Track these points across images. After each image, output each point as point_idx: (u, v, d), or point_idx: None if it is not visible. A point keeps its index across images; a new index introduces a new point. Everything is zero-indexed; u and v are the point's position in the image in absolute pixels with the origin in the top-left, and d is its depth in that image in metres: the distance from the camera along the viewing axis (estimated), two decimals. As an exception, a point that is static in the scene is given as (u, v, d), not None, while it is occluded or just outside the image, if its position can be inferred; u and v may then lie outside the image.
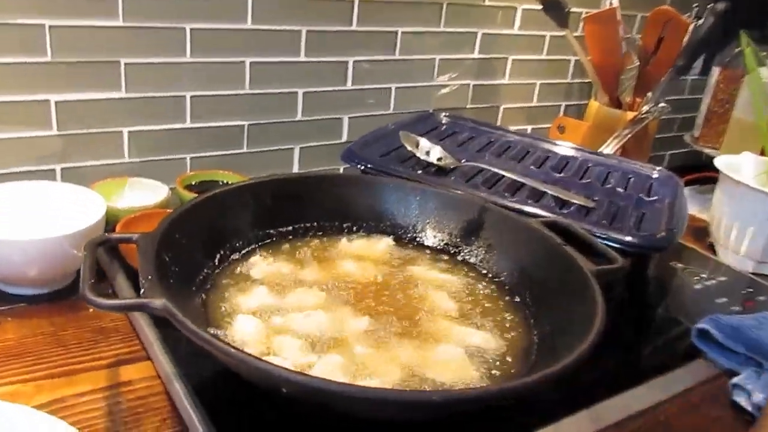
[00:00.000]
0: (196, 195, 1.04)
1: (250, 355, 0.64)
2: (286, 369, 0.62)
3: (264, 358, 0.81)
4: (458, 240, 1.12)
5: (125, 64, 1.13)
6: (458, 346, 0.83)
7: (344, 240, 1.11)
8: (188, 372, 0.81)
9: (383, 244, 1.12)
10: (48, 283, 0.90)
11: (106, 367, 0.83)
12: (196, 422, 0.72)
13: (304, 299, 0.95)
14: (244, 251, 1.05)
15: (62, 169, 1.17)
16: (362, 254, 1.08)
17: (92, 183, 1.11)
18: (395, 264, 1.07)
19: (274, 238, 1.09)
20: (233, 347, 0.64)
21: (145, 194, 1.25)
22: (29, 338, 0.85)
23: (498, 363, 0.87)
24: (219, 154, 1.33)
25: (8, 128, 1.06)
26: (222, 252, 1.01)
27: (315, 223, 1.13)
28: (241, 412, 0.75)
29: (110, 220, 1.02)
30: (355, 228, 1.14)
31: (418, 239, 1.14)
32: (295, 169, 1.49)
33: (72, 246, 0.84)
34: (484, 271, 1.07)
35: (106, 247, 1.09)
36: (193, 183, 1.33)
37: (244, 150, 1.41)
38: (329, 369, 0.80)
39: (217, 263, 1.00)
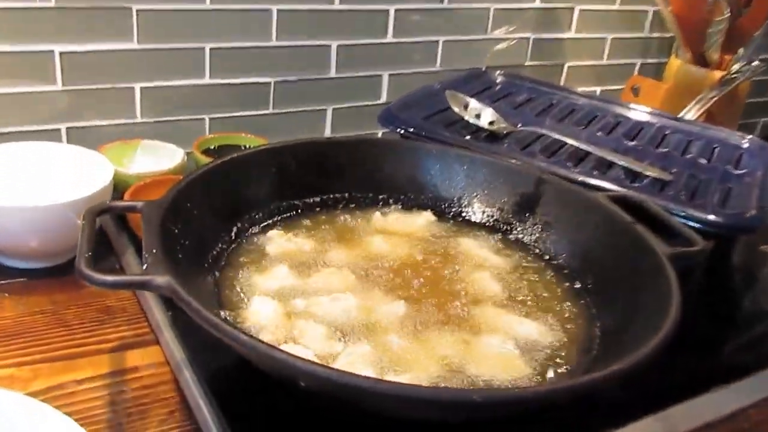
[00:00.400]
0: (212, 160, 1.03)
1: (262, 342, 0.63)
2: (304, 359, 0.61)
3: (281, 346, 0.80)
4: (510, 216, 1.11)
5: (138, 11, 1.12)
6: (507, 338, 0.83)
7: (378, 214, 1.10)
8: (201, 359, 0.81)
9: (423, 219, 1.10)
10: (49, 256, 0.90)
11: (111, 351, 0.83)
12: (207, 416, 0.72)
13: (331, 281, 0.94)
14: (264, 224, 1.04)
15: (67, 129, 1.17)
16: (398, 231, 1.08)
17: (100, 145, 1.11)
18: (436, 242, 1.06)
19: (299, 211, 1.08)
20: (243, 333, 0.64)
21: (159, 159, 1.25)
22: (27, 317, 0.85)
23: (553, 359, 0.82)
24: (242, 114, 1.32)
25: (7, 82, 1.06)
26: (239, 225, 1.01)
27: (346, 195, 1.12)
28: (257, 406, 0.76)
29: (119, 187, 1.03)
30: (391, 201, 1.13)
31: (463, 215, 1.12)
32: (327, 133, 1.49)
33: (76, 215, 0.84)
34: (540, 253, 1.06)
35: (114, 217, 1.11)
36: (212, 147, 1.33)
37: (270, 111, 1.40)
38: (356, 361, 0.79)
39: (233, 238, 0.99)
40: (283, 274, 0.93)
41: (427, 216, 1.10)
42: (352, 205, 1.11)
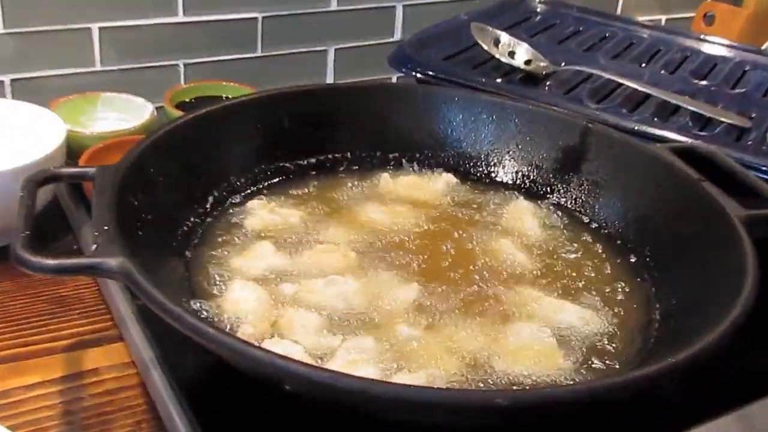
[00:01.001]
0: (184, 114, 1.03)
1: (237, 338, 0.66)
2: (289, 359, 0.61)
3: (265, 342, 0.80)
4: (550, 176, 1.10)
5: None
6: (544, 325, 0.83)
7: (387, 176, 1.10)
8: (174, 359, 0.81)
9: (442, 182, 1.10)
10: (-9, 234, 0.88)
11: (65, 350, 0.83)
12: (181, 428, 0.73)
13: (327, 260, 0.93)
14: (246, 193, 1.04)
15: (12, 81, 1.16)
16: (412, 197, 1.07)
17: (52, 100, 1.11)
18: (458, 211, 1.05)
19: (290, 176, 1.08)
20: (214, 327, 0.66)
21: (123, 116, 1.25)
22: (-36, 310, 0.81)
23: (600, 350, 0.82)
24: (223, 59, 1.32)
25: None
26: (216, 194, 1.01)
27: (348, 154, 1.12)
28: (240, 416, 0.77)
29: (76, 150, 1.03)
30: (403, 160, 1.13)
31: (492, 176, 1.12)
32: (329, 79, 1.47)
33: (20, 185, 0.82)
34: (586, 220, 1.05)
35: (69, 187, 1.10)
36: (188, 100, 1.32)
37: (258, 53, 1.38)
38: (357, 358, 0.79)
39: (208, 210, 0.99)
40: (268, 254, 0.93)
41: (448, 178, 1.10)
42: (356, 167, 1.11)
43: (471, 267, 0.94)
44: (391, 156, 1.11)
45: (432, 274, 0.92)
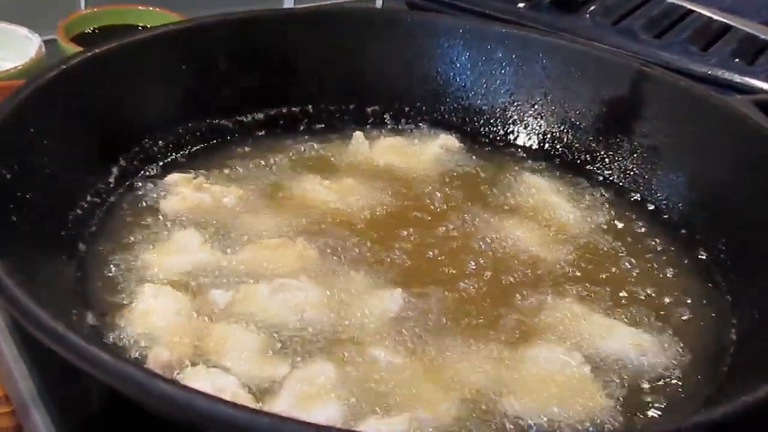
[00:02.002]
0: (82, 50, 1.02)
1: (138, 367, 0.65)
2: (214, 398, 0.62)
3: (186, 372, 0.79)
4: (591, 139, 1.10)
5: None
6: (574, 348, 0.85)
7: (360, 137, 1.09)
8: (61, 395, 0.82)
9: (438, 145, 1.10)
10: None
11: None
12: None
13: (276, 257, 0.93)
14: (165, 162, 1.04)
15: None
16: (395, 167, 1.07)
17: None
18: (461, 186, 1.05)
19: (229, 138, 1.08)
20: (106, 351, 0.64)
21: (3, 52, 1.25)
22: None
23: (654, 382, 0.84)
24: None
25: None
26: (123, 163, 1.00)
27: (309, 108, 1.12)
28: None
29: None
30: (386, 116, 1.13)
31: (510, 137, 1.12)
32: (287, 3, 1.50)
33: None
34: (638, 199, 1.05)
35: None
36: (90, 30, 1.31)
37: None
38: (313, 392, 0.78)
39: (111, 185, 0.98)
40: (192, 248, 0.92)
41: (446, 141, 1.09)
42: (320, 126, 1.11)
43: (475, 267, 0.94)
44: (369, 110, 1.11)
45: (421, 278, 0.92)
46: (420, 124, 1.11)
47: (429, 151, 1.07)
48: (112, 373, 0.64)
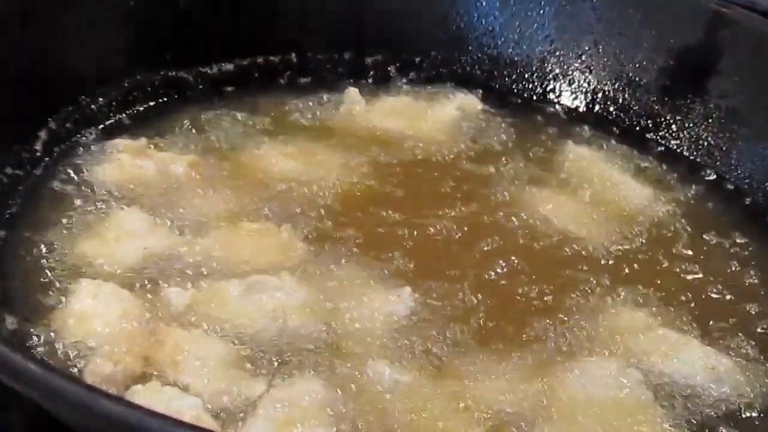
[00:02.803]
0: None
1: (71, 380, 0.63)
2: (161, 418, 0.61)
3: (134, 389, 0.78)
4: (652, 100, 1.11)
5: None
6: (630, 366, 0.86)
7: (355, 95, 1.10)
8: None
9: (454, 107, 1.10)
10: None
11: None
12: None
13: (248, 246, 0.93)
14: (106, 124, 1.05)
15: None
16: (399, 132, 1.07)
17: None
18: (486, 156, 1.05)
19: (188, 93, 1.09)
20: (31, 361, 0.64)
21: None
22: None
23: (730, 417, 0.84)
24: None
25: None
26: (53, 126, 1.01)
27: (293, 56, 1.13)
28: None
29: None
30: (391, 69, 1.15)
31: (551, 96, 1.14)
32: None
33: None
34: (713, 177, 1.06)
35: None
36: None
37: None
38: (293, 416, 0.78)
39: (38, 153, 0.98)
40: (138, 231, 0.92)
41: (465, 101, 1.10)
42: (305, 80, 1.12)
43: (504, 262, 0.94)
44: (368, 61, 1.12)
45: (436, 274, 0.92)
46: (434, 79, 1.12)
47: (442, 113, 1.08)
48: (41, 386, 0.64)
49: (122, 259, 0.92)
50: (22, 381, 0.65)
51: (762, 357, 0.90)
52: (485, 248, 0.97)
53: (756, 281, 0.96)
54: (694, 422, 0.84)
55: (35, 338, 0.83)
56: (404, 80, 1.11)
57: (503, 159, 1.05)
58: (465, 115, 1.08)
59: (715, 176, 1.04)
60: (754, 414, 0.85)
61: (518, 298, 0.92)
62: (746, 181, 1.03)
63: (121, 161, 1.00)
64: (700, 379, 0.87)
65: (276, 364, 0.84)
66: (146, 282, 0.90)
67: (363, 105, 1.07)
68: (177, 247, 0.93)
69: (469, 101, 1.08)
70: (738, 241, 1.00)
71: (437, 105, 1.08)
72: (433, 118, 1.07)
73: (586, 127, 1.09)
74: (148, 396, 0.78)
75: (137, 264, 0.92)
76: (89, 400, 0.62)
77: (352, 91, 1.06)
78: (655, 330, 0.91)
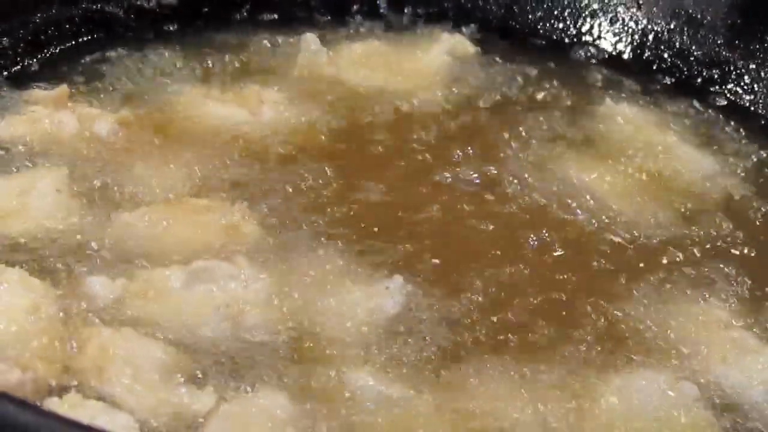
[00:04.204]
0: None
1: None
2: (86, 428, 0.64)
3: (47, 400, 0.80)
4: (719, 44, 1.13)
5: None
6: (685, 378, 0.88)
7: (313, 41, 1.14)
8: None
9: (441, 51, 1.13)
10: None
11: None
12: None
13: (192, 224, 0.95)
14: (14, 69, 1.07)
15: None
16: (377, 83, 1.12)
17: None
18: (499, 109, 1.10)
19: (119, 31, 1.12)
20: None
21: None
22: None
23: None
24: None
25: None
26: None
27: None
28: None
29: None
30: (381, 2, 1.19)
31: (585, 36, 1.16)
32: None
33: None
34: None
35: None
36: None
37: None
38: None
39: None
40: (55, 202, 0.95)
41: (454, 41, 1.14)
42: (270, 16, 1.17)
43: (522, 242, 0.97)
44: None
45: (435, 259, 0.95)
46: (434, 17, 1.16)
47: (426, 60, 1.12)
48: None
49: (31, 237, 0.93)
50: None
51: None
52: (501, 230, 0.99)
53: None
54: None
55: None
56: (397, 17, 1.16)
57: (526, 114, 1.09)
58: (455, 60, 1.13)
59: None
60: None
61: (541, 292, 0.94)
62: None
63: (35, 114, 1.02)
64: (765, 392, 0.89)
65: (229, 372, 0.86)
66: (62, 268, 0.91)
67: (323, 55, 1.12)
68: (102, 224, 0.95)
69: (456, 42, 1.14)
70: None
71: (420, 51, 1.13)
72: (417, 67, 1.11)
73: (631, 78, 1.11)
74: (66, 411, 0.78)
75: (50, 245, 0.93)
76: None
77: (309, 38, 1.10)
78: (714, 332, 0.93)
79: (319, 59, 1.11)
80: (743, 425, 0.87)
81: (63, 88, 1.02)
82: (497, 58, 1.14)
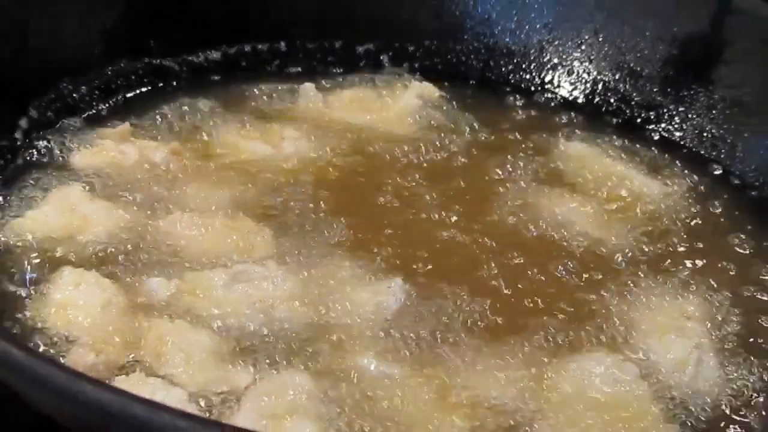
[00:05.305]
0: None
1: (57, 365, 0.64)
2: (150, 404, 0.61)
3: (118, 379, 0.80)
4: (655, 91, 1.13)
5: None
6: (625, 357, 0.87)
7: (311, 90, 1.12)
8: None
9: (414, 94, 1.11)
10: None
11: None
12: None
13: (233, 235, 0.95)
14: (89, 113, 1.07)
15: None
16: (371, 123, 1.10)
17: None
18: (486, 146, 1.07)
19: (174, 82, 1.11)
20: (11, 344, 0.64)
21: None
22: None
23: (730, 404, 0.85)
24: None
25: None
26: (33, 114, 1.02)
27: (281, 44, 1.15)
28: None
29: None
30: (384, 57, 1.17)
31: (549, 87, 1.16)
32: None
33: None
34: (719, 171, 1.08)
35: None
36: None
37: None
38: (280, 407, 0.79)
39: (18, 142, 1.00)
40: (120, 217, 0.94)
41: (421, 87, 1.12)
42: (295, 69, 1.14)
43: (501, 252, 0.96)
44: (360, 50, 1.14)
45: (430, 265, 0.93)
46: (427, 70, 1.15)
47: (405, 102, 1.11)
48: (21, 371, 0.64)
49: (102, 246, 0.93)
50: (3, 367, 0.66)
51: (764, 350, 0.91)
52: (484, 242, 0.98)
53: (764, 278, 0.97)
54: (700, 415, 0.85)
55: (15, 328, 0.84)
56: (399, 68, 1.15)
57: (504, 151, 1.07)
58: (423, 102, 1.12)
59: (720, 169, 1.06)
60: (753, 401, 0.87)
61: (517, 292, 0.93)
62: (751, 174, 1.04)
63: (104, 147, 1.01)
64: (693, 371, 0.88)
65: (263, 355, 0.85)
66: (127, 271, 0.91)
67: (319, 100, 1.11)
68: (157, 234, 0.95)
69: (423, 89, 1.12)
70: (742, 236, 1.01)
71: (407, 91, 1.12)
72: (393, 108, 1.11)
73: (585, 120, 1.11)
74: (132, 387, 0.78)
75: (118, 252, 0.93)
76: (73, 385, 0.62)
77: (307, 87, 1.10)
78: (653, 322, 0.92)
79: (315, 104, 1.11)
80: (670, 394, 0.86)
81: (126, 126, 1.01)
82: (463, 104, 1.14)
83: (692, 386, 0.88)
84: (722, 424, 0.85)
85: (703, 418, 0.85)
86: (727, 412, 0.86)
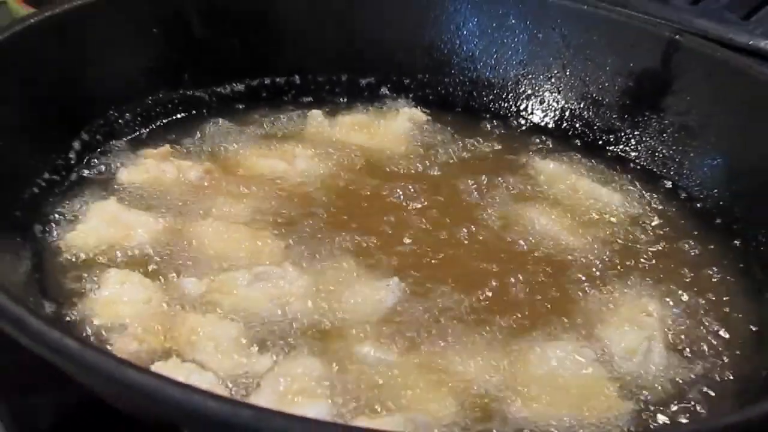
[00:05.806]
0: (36, 11, 1.01)
1: (114, 357, 0.66)
2: (185, 387, 0.64)
3: (157, 365, 0.82)
4: (613, 117, 1.14)
5: None
6: (586, 346, 0.89)
7: (319, 116, 1.15)
8: (17, 407, 0.86)
9: (405, 116, 1.14)
10: None
11: None
12: None
13: (254, 241, 0.96)
14: (132, 136, 1.08)
15: None
16: (369, 145, 1.11)
17: None
18: (468, 167, 1.09)
19: (205, 110, 1.13)
20: (67, 336, 0.65)
21: None
22: None
23: (685, 384, 0.87)
24: None
25: None
26: (85, 137, 1.04)
27: (295, 78, 1.17)
28: None
29: None
30: (383, 89, 1.18)
31: (523, 114, 1.17)
32: None
33: None
34: (669, 185, 1.09)
35: None
36: None
37: None
38: (295, 388, 0.81)
39: (72, 161, 1.02)
40: (160, 226, 0.96)
41: (411, 112, 1.15)
42: (307, 99, 1.17)
43: (484, 256, 0.98)
44: (363, 82, 1.16)
45: (422, 268, 0.95)
46: (428, 98, 1.18)
47: (398, 126, 1.13)
48: (76, 359, 0.65)
49: (144, 251, 0.95)
50: (61, 355, 0.66)
51: (706, 337, 0.92)
52: (469, 248, 1.00)
53: (706, 274, 0.99)
54: (648, 391, 0.87)
55: (69, 321, 0.86)
56: (394, 98, 1.18)
57: (485, 170, 1.09)
58: (414, 126, 1.14)
59: (670, 184, 1.07)
60: (708, 376, 0.89)
61: (496, 292, 0.95)
62: (696, 188, 1.05)
63: (146, 165, 1.03)
64: (648, 356, 0.90)
65: (279, 344, 0.87)
66: (165, 271, 0.93)
67: (326, 124, 1.12)
68: (190, 240, 0.97)
69: (412, 115, 1.15)
70: (690, 241, 1.02)
71: (391, 118, 1.14)
72: (388, 130, 1.13)
73: (554, 143, 1.13)
74: (169, 371, 0.80)
75: (157, 255, 0.95)
76: (119, 371, 0.64)
77: (315, 114, 1.12)
78: (613, 313, 0.94)
79: (324, 128, 1.12)
80: (623, 377, 0.88)
81: (166, 147, 1.04)
82: (449, 128, 1.16)
83: (641, 370, 0.89)
84: (673, 404, 0.86)
85: (651, 398, 0.86)
86: (674, 392, 0.87)
